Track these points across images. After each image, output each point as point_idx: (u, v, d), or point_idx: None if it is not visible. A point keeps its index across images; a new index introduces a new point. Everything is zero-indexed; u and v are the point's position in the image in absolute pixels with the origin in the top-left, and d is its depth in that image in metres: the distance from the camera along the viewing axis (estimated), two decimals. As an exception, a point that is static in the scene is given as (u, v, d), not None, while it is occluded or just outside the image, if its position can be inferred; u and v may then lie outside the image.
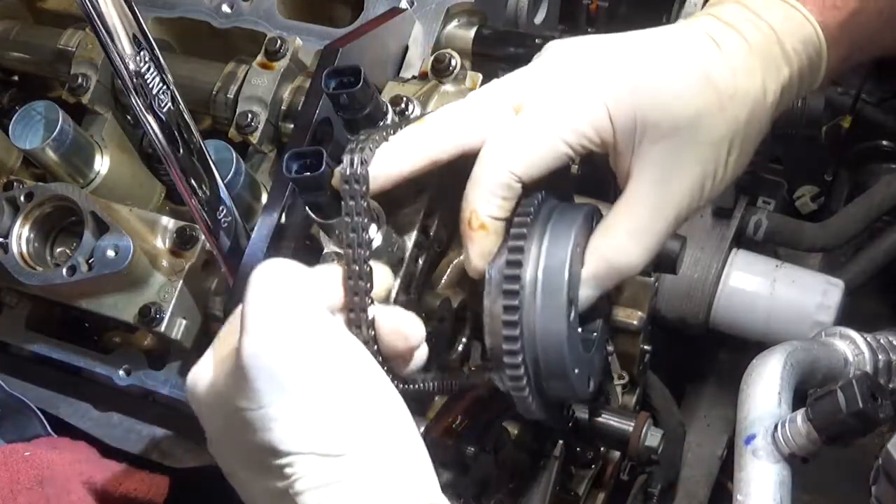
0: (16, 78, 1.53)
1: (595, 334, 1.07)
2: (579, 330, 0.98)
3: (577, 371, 0.96)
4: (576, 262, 0.94)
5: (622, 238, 0.96)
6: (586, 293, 0.97)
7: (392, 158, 0.94)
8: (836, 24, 1.03)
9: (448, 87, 1.19)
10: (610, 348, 1.76)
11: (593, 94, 0.93)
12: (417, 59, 1.31)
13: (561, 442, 1.55)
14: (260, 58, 1.31)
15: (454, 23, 1.34)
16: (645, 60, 0.95)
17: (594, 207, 0.99)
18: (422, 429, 0.98)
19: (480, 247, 0.94)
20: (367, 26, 1.24)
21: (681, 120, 0.94)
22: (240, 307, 0.84)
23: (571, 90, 0.94)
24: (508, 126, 0.95)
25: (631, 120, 0.93)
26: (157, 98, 1.01)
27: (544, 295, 0.91)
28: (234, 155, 1.24)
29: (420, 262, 1.08)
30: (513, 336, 0.91)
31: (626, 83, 0.94)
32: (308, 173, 0.94)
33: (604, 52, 0.97)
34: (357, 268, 0.89)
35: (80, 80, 1.35)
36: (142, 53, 0.99)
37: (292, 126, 1.28)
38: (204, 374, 0.87)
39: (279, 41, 1.30)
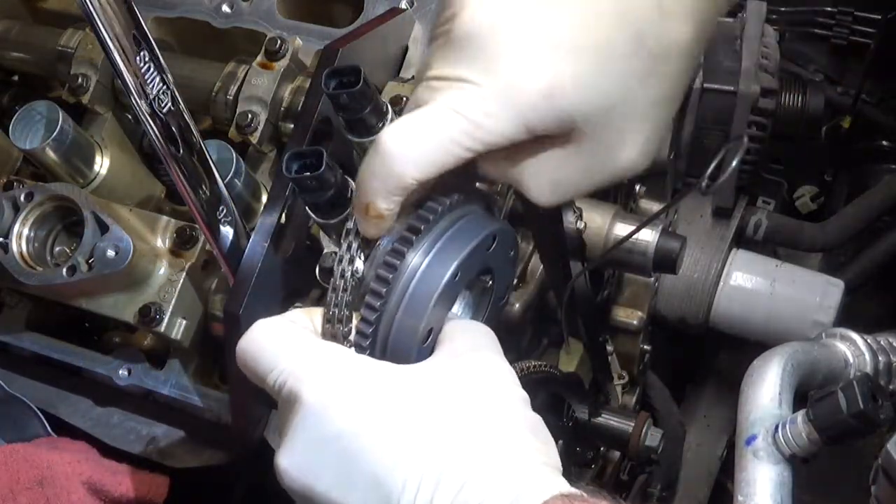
0: (16, 78, 1.53)
1: None
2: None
3: None
4: (447, 293, 0.91)
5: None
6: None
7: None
8: None
9: (448, 87, 1.19)
10: (610, 348, 1.77)
11: (510, 107, 0.85)
12: (417, 59, 1.31)
13: (560, 442, 1.55)
14: (260, 58, 1.31)
15: (454, 23, 1.34)
16: (573, 42, 0.85)
17: (496, 231, 0.95)
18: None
19: (377, 229, 0.91)
20: (367, 26, 1.24)
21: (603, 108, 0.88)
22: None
23: (488, 96, 0.85)
24: (407, 120, 0.88)
25: (555, 121, 0.87)
26: (157, 98, 1.01)
27: (404, 317, 0.90)
28: (234, 155, 1.24)
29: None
30: (367, 332, 0.91)
31: (546, 84, 0.85)
32: (308, 173, 0.94)
33: (529, 36, 0.86)
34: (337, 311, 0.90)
35: (80, 80, 1.34)
36: (142, 53, 0.99)
37: (292, 126, 1.27)
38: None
39: (279, 41, 1.30)
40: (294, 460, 0.84)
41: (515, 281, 1.37)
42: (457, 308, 1.00)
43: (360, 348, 0.90)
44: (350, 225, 0.92)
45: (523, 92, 0.85)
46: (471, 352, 0.90)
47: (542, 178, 0.91)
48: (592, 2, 0.86)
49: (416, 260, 0.91)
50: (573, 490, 0.80)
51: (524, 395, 0.89)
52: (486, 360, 0.90)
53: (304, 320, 0.92)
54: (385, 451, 0.81)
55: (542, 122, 0.86)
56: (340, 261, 0.91)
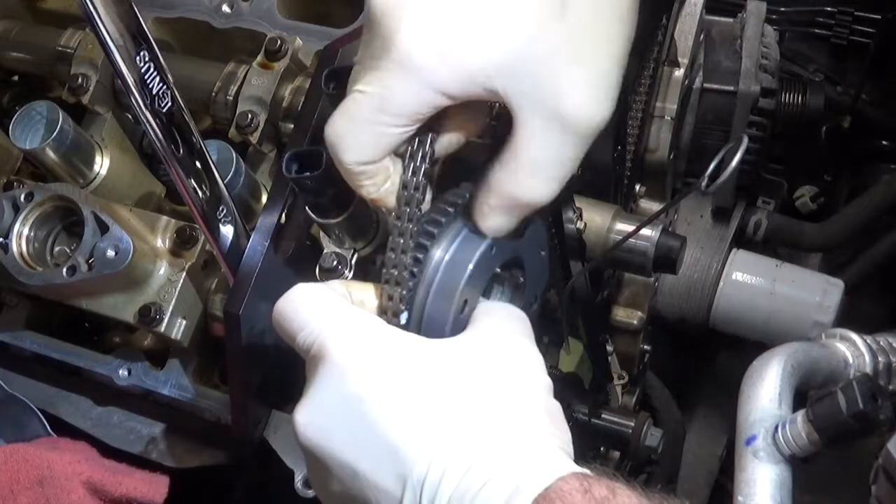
0: (16, 78, 1.53)
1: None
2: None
3: None
4: (483, 263, 0.93)
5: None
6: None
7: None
8: None
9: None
10: (610, 348, 1.77)
11: (409, 76, 0.86)
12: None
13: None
14: (260, 58, 1.31)
15: (454, 23, 1.34)
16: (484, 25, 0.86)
17: (529, 220, 0.96)
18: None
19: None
20: (368, 26, 1.24)
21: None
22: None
23: (386, 68, 0.87)
24: (336, 111, 0.91)
25: (462, 80, 0.87)
26: (157, 98, 1.01)
27: (437, 293, 0.91)
28: (234, 155, 1.24)
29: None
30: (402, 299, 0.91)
31: (438, 46, 0.86)
32: (308, 173, 0.94)
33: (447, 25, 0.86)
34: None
35: (80, 80, 1.34)
36: (142, 53, 0.99)
37: (292, 126, 1.28)
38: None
39: (279, 41, 1.30)
40: (312, 416, 0.85)
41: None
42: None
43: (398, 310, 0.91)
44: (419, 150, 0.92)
45: (417, 58, 0.86)
46: (501, 333, 0.91)
47: (524, 173, 0.90)
48: None
49: (454, 230, 0.92)
50: (586, 471, 0.81)
51: (548, 381, 0.90)
52: (516, 343, 0.91)
53: (341, 290, 0.92)
54: (403, 421, 0.81)
55: (452, 85, 0.86)
56: (405, 187, 0.91)
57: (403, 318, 0.90)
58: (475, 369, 0.86)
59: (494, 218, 0.92)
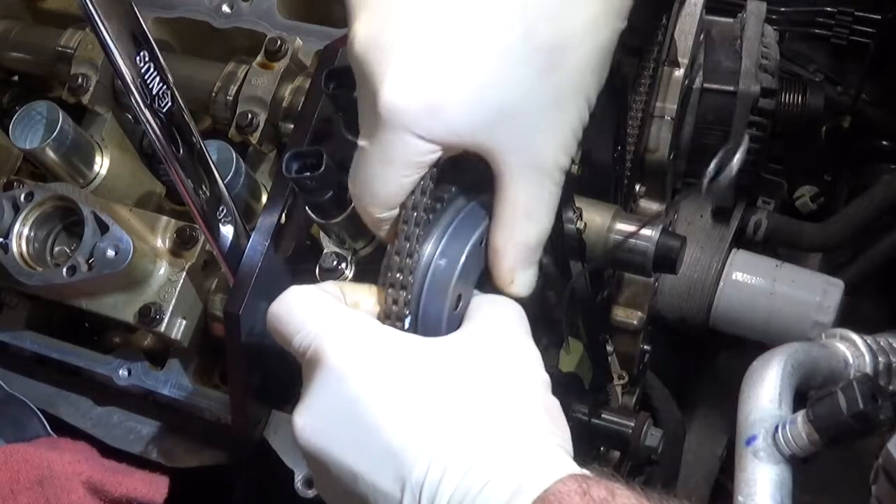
0: (16, 78, 1.53)
1: None
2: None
3: None
4: (473, 256, 0.93)
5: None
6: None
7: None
8: None
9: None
10: (610, 348, 1.77)
11: (400, 127, 0.86)
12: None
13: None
14: (260, 58, 1.31)
15: (454, 23, 1.34)
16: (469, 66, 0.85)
17: None
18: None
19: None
20: (368, 26, 1.24)
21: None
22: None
23: (377, 121, 0.86)
24: (357, 161, 0.91)
25: (451, 136, 0.88)
26: (157, 98, 1.01)
27: (430, 289, 0.90)
28: (234, 155, 1.24)
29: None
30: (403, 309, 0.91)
31: (426, 101, 0.85)
32: (308, 173, 0.94)
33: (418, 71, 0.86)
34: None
35: (80, 80, 1.34)
36: (142, 53, 0.99)
37: (292, 126, 1.28)
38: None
39: (279, 41, 1.30)
40: (311, 420, 0.85)
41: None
42: None
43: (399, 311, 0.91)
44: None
45: (405, 116, 0.85)
46: (497, 329, 0.90)
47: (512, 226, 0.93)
48: (480, 7, 0.85)
49: (443, 225, 0.92)
50: (584, 471, 0.81)
51: (545, 377, 0.90)
52: (511, 339, 0.90)
53: (335, 291, 0.92)
54: (400, 423, 0.81)
55: (443, 138, 0.87)
56: (412, 191, 0.90)
57: (408, 322, 0.90)
58: (471, 368, 0.86)
59: (519, 277, 0.94)
